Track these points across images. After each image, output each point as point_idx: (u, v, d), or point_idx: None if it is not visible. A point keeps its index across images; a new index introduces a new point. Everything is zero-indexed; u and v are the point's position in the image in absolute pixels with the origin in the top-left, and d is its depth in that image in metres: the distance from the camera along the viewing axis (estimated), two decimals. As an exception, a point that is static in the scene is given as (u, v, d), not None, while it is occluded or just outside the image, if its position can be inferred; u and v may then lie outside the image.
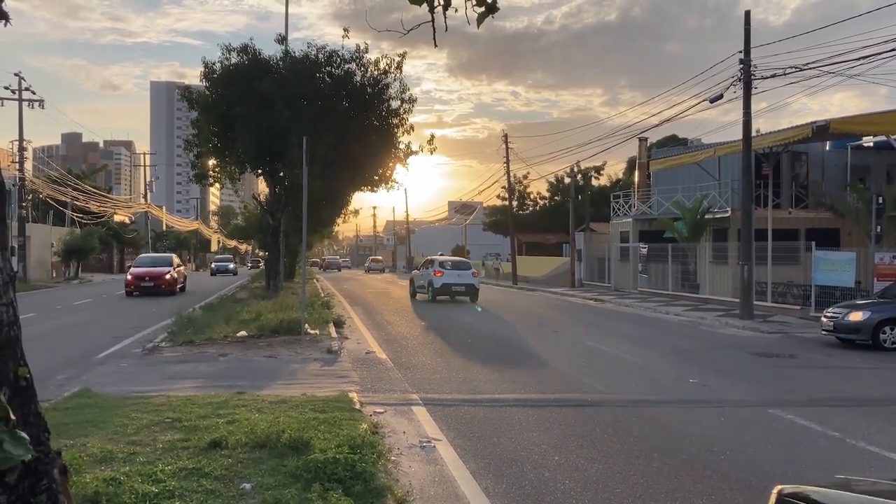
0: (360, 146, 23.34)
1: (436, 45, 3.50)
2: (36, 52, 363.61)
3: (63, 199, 51.90)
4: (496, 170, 72.16)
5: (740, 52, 21.03)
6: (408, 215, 78.95)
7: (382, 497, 5.32)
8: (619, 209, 36.87)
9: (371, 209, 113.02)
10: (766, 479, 6.12)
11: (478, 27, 3.47)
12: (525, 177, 54.38)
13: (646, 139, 38.37)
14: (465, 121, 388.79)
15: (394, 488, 5.57)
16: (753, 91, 20.94)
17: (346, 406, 8.34)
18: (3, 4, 2.65)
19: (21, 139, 42.41)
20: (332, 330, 16.69)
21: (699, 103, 24.07)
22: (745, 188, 21.92)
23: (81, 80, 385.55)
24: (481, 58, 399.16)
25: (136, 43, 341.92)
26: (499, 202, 56.66)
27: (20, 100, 41.31)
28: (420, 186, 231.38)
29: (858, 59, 18.52)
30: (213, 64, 23.72)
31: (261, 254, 68.29)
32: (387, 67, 23.80)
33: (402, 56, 24.00)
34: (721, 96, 21.91)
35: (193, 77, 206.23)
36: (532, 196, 59.95)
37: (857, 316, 15.52)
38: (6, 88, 41.12)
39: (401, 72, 23.90)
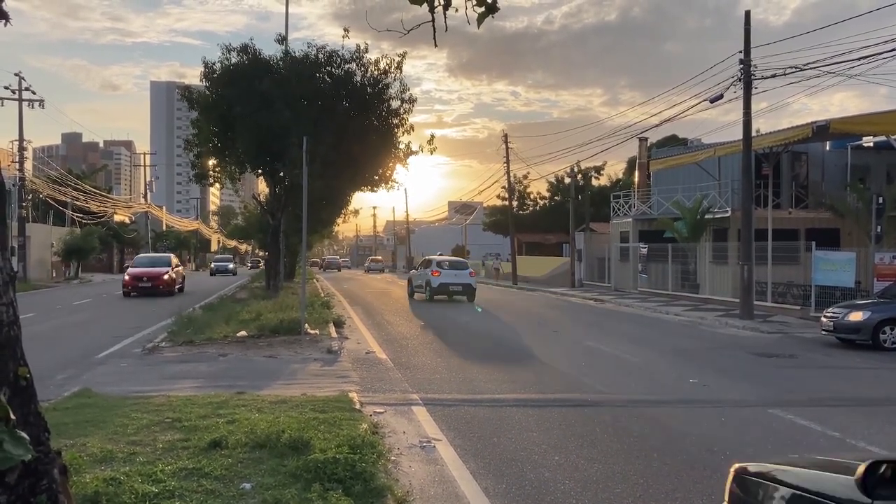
0: (361, 146, 23.34)
1: (436, 45, 3.50)
2: (36, 52, 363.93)
3: (63, 199, 51.90)
4: (496, 170, 72.25)
5: (740, 52, 21.03)
6: (408, 215, 79.00)
7: (382, 497, 5.32)
8: (619, 209, 36.87)
9: (371, 209, 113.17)
10: (766, 479, 6.11)
11: (478, 27, 3.47)
12: (525, 177, 54.43)
13: (646, 139, 38.38)
14: (465, 121, 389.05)
15: (394, 488, 5.57)
16: (753, 91, 20.94)
17: (346, 406, 8.34)
18: (4, 4, 2.65)
19: (21, 139, 42.44)
20: (332, 330, 16.69)
21: (699, 103, 24.10)
22: (745, 188, 21.92)
23: (81, 80, 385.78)
24: (481, 58, 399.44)
25: (136, 43, 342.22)
26: (499, 202, 56.68)
27: (20, 100, 41.32)
28: (420, 186, 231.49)
29: (858, 59, 18.54)
30: (213, 64, 23.74)
31: (261, 254, 68.26)
32: (387, 67, 23.80)
33: (402, 56, 24.02)
34: (721, 96, 21.92)
35: (193, 77, 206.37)
36: (532, 196, 59.96)
37: (857, 316, 15.52)
38: (6, 88, 41.18)
39: (401, 72, 23.93)
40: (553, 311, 25.24)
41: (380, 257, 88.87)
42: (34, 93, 41.77)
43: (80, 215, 53.72)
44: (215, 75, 23.59)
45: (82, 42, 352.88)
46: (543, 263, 47.81)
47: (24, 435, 2.25)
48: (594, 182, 56.35)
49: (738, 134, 22.33)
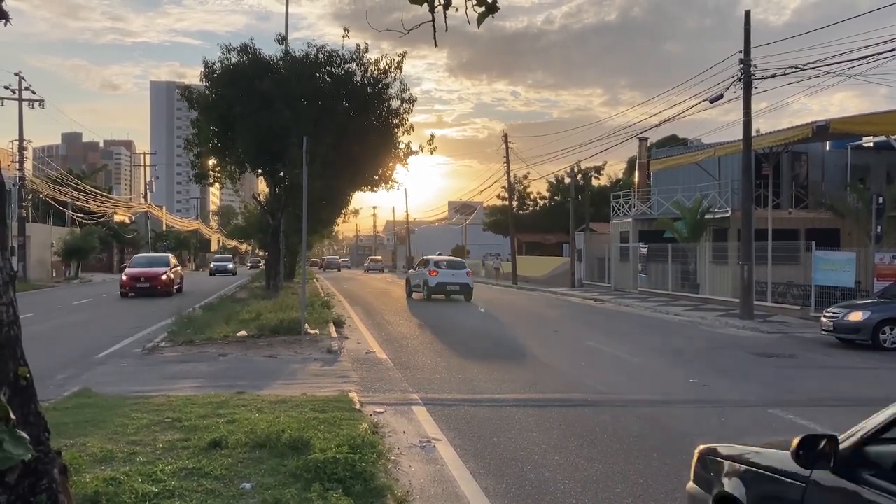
0: (361, 146, 23.33)
1: (436, 45, 3.50)
2: (36, 52, 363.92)
3: (63, 198, 51.89)
4: (496, 170, 72.24)
5: (740, 52, 21.03)
6: (408, 215, 78.98)
7: (382, 497, 5.32)
8: (619, 209, 36.87)
9: (371, 209, 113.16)
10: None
11: (478, 27, 3.47)
12: (525, 177, 54.41)
13: (646, 139, 38.38)
14: (465, 121, 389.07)
15: (394, 488, 5.57)
16: (753, 91, 20.94)
17: (346, 406, 8.34)
18: (4, 4, 2.65)
19: (21, 139, 42.44)
20: (332, 330, 16.69)
21: (699, 103, 24.10)
22: (745, 188, 21.92)
23: (81, 80, 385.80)
24: (481, 58, 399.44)
25: (136, 43, 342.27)
26: (499, 202, 56.67)
27: (20, 99, 41.33)
28: (420, 186, 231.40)
29: (858, 59, 18.54)
30: (214, 64, 23.72)
31: (261, 254, 68.22)
32: (387, 67, 23.79)
33: (403, 56, 24.01)
34: (721, 96, 21.92)
35: (193, 77, 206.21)
36: (532, 196, 59.95)
37: (856, 316, 15.52)
38: (6, 88, 41.20)
39: (401, 71, 23.91)
40: (553, 311, 25.24)
41: (379, 257, 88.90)
42: (34, 92, 41.83)
43: (80, 215, 53.71)
44: (215, 75, 23.58)
45: (82, 42, 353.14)
46: (543, 263, 47.81)
47: (24, 435, 2.25)
48: (594, 182, 56.34)
49: (738, 134, 22.34)
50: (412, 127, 24.67)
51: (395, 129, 24.38)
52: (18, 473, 2.35)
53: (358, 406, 8.54)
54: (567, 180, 47.82)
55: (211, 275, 58.32)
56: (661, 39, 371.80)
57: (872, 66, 25.13)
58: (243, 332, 15.29)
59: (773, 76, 20.46)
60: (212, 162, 27.00)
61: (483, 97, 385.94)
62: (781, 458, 3.21)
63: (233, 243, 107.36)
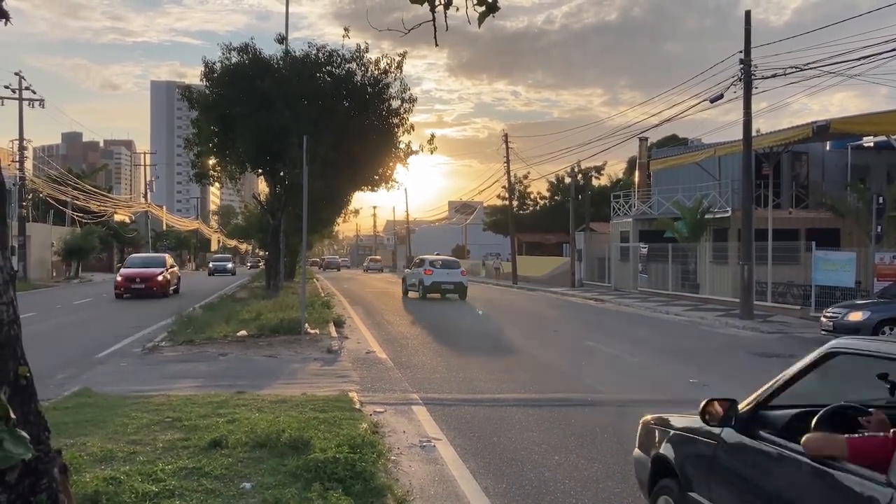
0: (361, 146, 23.34)
1: (437, 45, 3.50)
2: (36, 52, 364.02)
3: (63, 198, 51.88)
4: (496, 169, 72.23)
5: (740, 51, 21.02)
6: (408, 215, 78.94)
7: (382, 496, 5.32)
8: (619, 209, 36.86)
9: (371, 209, 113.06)
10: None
11: (479, 26, 3.47)
12: (525, 177, 54.41)
13: (646, 139, 38.37)
14: (465, 120, 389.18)
15: (394, 488, 5.57)
16: (754, 91, 20.93)
17: (346, 405, 8.35)
18: (4, 3, 2.65)
19: (21, 138, 42.43)
20: (332, 329, 16.69)
21: (699, 103, 24.11)
22: (745, 188, 21.91)
23: (81, 80, 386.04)
24: (482, 57, 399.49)
25: (136, 42, 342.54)
26: (499, 202, 56.67)
27: (20, 99, 41.32)
28: (420, 186, 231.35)
29: (859, 59, 18.54)
30: (214, 63, 23.73)
31: (261, 253, 68.17)
32: (387, 67, 23.80)
33: (403, 56, 24.02)
34: (721, 96, 21.92)
35: (194, 77, 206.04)
36: (532, 196, 59.95)
37: (856, 316, 15.51)
38: (6, 88, 41.17)
39: (401, 71, 23.93)
40: (553, 311, 25.24)
41: (378, 257, 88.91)
42: (34, 92, 41.80)
43: (81, 215, 53.69)
44: (215, 75, 23.59)
45: (82, 41, 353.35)
46: (543, 263, 47.81)
47: (24, 434, 2.25)
48: (594, 182, 56.34)
49: (738, 134, 22.33)
50: (412, 127, 24.72)
51: (396, 129, 24.39)
52: (19, 472, 2.35)
53: (358, 406, 8.55)
54: (567, 180, 47.81)
55: (210, 275, 58.06)
56: (661, 39, 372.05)
57: (873, 66, 25.17)
58: (243, 332, 15.29)
59: (774, 76, 20.46)
60: (212, 162, 27.02)
61: (483, 97, 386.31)
62: (700, 423, 3.90)
63: (233, 243, 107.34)
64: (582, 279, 39.38)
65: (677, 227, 29.03)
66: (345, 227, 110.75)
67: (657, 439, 4.54)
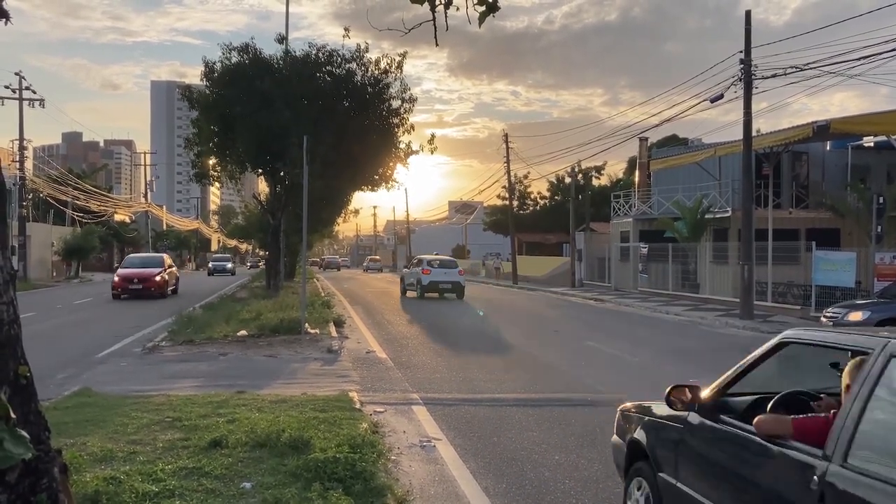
0: (361, 146, 23.34)
1: (437, 45, 3.50)
2: (36, 52, 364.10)
3: (63, 198, 51.88)
4: (496, 169, 72.38)
5: (741, 51, 21.01)
6: (408, 215, 78.91)
7: (382, 496, 5.32)
8: (619, 209, 36.86)
9: (371, 209, 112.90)
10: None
11: (479, 26, 3.47)
12: (525, 176, 54.37)
13: (646, 139, 38.36)
14: (465, 120, 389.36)
15: (394, 487, 5.57)
16: (754, 91, 20.92)
17: (346, 405, 8.34)
18: (4, 3, 2.65)
19: (21, 138, 42.42)
20: (333, 329, 16.69)
21: (699, 103, 24.10)
22: (745, 188, 21.91)
23: (82, 80, 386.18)
24: (482, 57, 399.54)
25: (136, 42, 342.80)
26: (499, 202, 56.64)
27: (20, 99, 41.32)
28: (420, 186, 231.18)
29: (859, 59, 18.53)
30: (214, 63, 23.74)
31: (261, 253, 68.12)
32: (387, 67, 23.80)
33: (403, 56, 24.03)
34: (721, 96, 21.91)
35: (194, 76, 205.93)
36: (532, 196, 59.91)
37: (856, 316, 15.50)
38: (7, 88, 41.17)
39: (401, 71, 23.94)
40: (553, 311, 25.24)
41: (378, 257, 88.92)
42: (34, 92, 41.79)
43: (81, 214, 53.69)
44: (216, 75, 23.59)
45: (83, 41, 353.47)
46: (544, 263, 47.80)
47: (24, 434, 2.25)
48: (594, 182, 56.30)
49: (738, 134, 22.33)
50: (412, 127, 24.73)
51: (396, 129, 24.39)
52: (19, 472, 2.35)
53: (358, 405, 8.54)
54: (567, 180, 47.79)
55: (209, 275, 57.83)
56: (661, 39, 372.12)
57: (873, 66, 25.15)
58: (243, 332, 15.29)
59: (774, 76, 20.45)
60: (212, 161, 27.02)
61: (483, 97, 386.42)
62: (669, 409, 4.25)
63: (233, 243, 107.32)
64: (582, 279, 39.37)
65: (677, 227, 29.02)
66: (345, 227, 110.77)
67: (632, 425, 4.89)
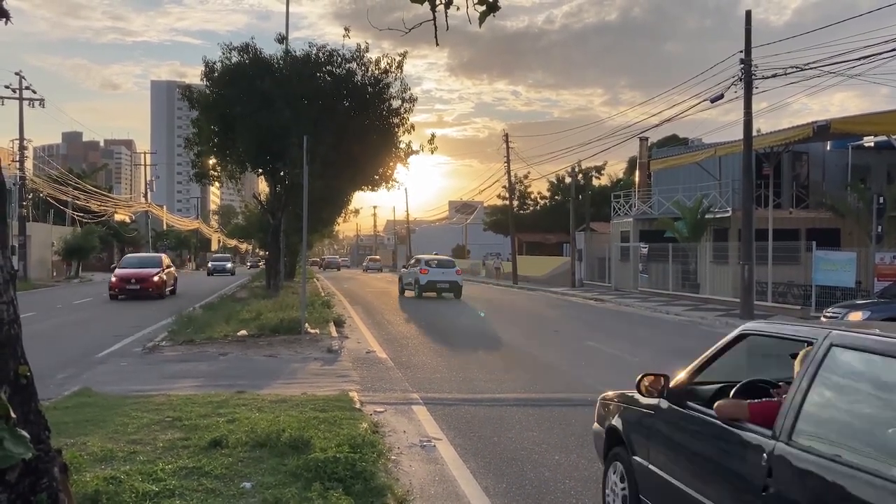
0: (361, 146, 23.34)
1: (437, 44, 3.50)
2: (36, 51, 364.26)
3: (63, 198, 51.89)
4: (497, 169, 72.24)
5: (741, 51, 21.01)
6: (408, 215, 78.92)
7: (383, 496, 5.32)
8: (619, 209, 36.85)
9: (371, 208, 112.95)
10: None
11: (479, 26, 3.47)
12: (526, 176, 54.38)
13: (646, 139, 38.37)
14: (465, 120, 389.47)
15: (394, 487, 5.57)
16: (754, 91, 20.92)
17: (346, 405, 8.34)
18: (4, 3, 2.65)
19: (21, 138, 42.42)
20: (333, 329, 16.69)
21: (700, 103, 24.12)
22: (745, 188, 21.91)
23: (82, 79, 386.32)
24: (482, 57, 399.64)
25: (136, 42, 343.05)
26: (499, 202, 56.62)
27: (21, 99, 41.32)
28: (420, 186, 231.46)
29: (859, 59, 18.54)
30: (214, 63, 23.73)
31: (261, 253, 68.06)
32: (387, 67, 23.80)
33: (403, 55, 24.04)
34: (722, 96, 21.92)
35: (194, 76, 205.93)
36: (533, 196, 59.90)
37: (856, 316, 15.48)
38: (7, 87, 41.18)
39: (401, 71, 23.94)
40: (553, 311, 25.23)
41: (378, 257, 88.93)
42: (35, 92, 41.79)
43: (81, 214, 53.69)
44: (216, 75, 23.59)
45: (83, 41, 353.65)
46: (544, 263, 47.81)
47: (24, 433, 2.25)
48: (595, 182, 56.29)
49: (738, 134, 22.33)
50: (413, 126, 24.73)
51: (396, 129, 24.39)
52: (19, 472, 2.35)
53: (358, 405, 8.54)
54: (567, 180, 47.78)
55: (209, 275, 57.60)
56: (661, 39, 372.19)
57: (873, 66, 25.11)
58: (243, 332, 15.29)
59: (774, 76, 20.46)
60: (212, 161, 27.00)
61: (484, 97, 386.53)
62: (643, 397, 4.58)
63: (233, 243, 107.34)
64: (582, 279, 39.37)
65: (677, 227, 29.02)
66: (345, 227, 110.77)
67: (610, 413, 5.25)
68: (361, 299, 29.45)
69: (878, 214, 20.61)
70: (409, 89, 24.20)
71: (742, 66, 20.90)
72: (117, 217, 65.01)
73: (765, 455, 3.31)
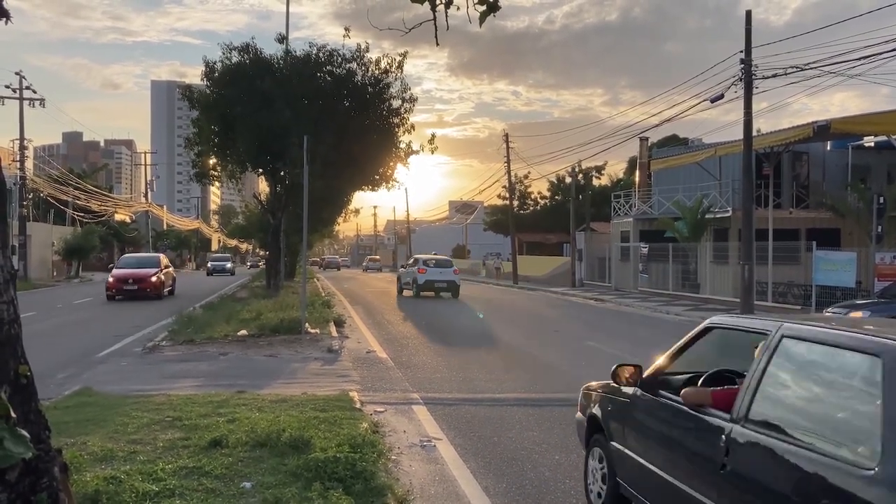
0: (361, 146, 23.33)
1: (437, 44, 3.50)
2: (37, 51, 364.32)
3: (64, 197, 51.89)
4: (497, 169, 72.16)
5: (741, 51, 21.01)
6: (408, 215, 78.89)
7: (383, 496, 5.32)
8: (619, 209, 36.85)
9: (372, 208, 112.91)
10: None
11: (480, 26, 3.47)
12: (526, 176, 54.40)
13: (646, 139, 38.36)
14: (465, 120, 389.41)
15: (394, 487, 5.57)
16: (754, 91, 20.92)
17: (346, 405, 8.34)
18: (4, 2, 2.65)
19: (22, 138, 42.42)
20: (333, 329, 16.69)
21: (700, 103, 24.11)
22: (745, 188, 21.90)
23: (82, 79, 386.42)
24: (482, 57, 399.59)
25: (136, 42, 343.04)
26: (499, 202, 56.61)
27: (21, 98, 41.33)
28: (421, 186, 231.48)
29: (859, 59, 18.53)
30: (214, 63, 23.72)
31: (261, 253, 67.99)
32: (388, 67, 23.79)
33: (403, 55, 24.02)
34: (722, 96, 21.91)
35: (194, 76, 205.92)
36: (533, 196, 59.91)
37: (856, 316, 15.49)
38: (7, 87, 41.18)
39: (402, 71, 23.93)
40: (554, 311, 25.23)
41: (378, 257, 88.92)
42: (35, 92, 41.79)
43: (81, 214, 53.70)
44: (216, 74, 23.58)
45: (83, 41, 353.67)
46: (544, 263, 47.81)
47: (24, 433, 2.25)
48: (595, 182, 56.29)
49: (738, 134, 22.32)
50: (413, 126, 24.71)
51: (396, 129, 24.38)
52: (19, 471, 2.35)
53: (358, 405, 8.54)
54: (568, 180, 47.77)
55: (208, 275, 57.26)
56: (661, 39, 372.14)
57: (873, 66, 25.06)
58: (244, 332, 15.29)
59: (774, 76, 20.45)
60: (212, 161, 26.99)
61: (484, 97, 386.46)
62: (623, 387, 4.94)
63: (233, 242, 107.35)
64: (582, 279, 39.37)
65: (678, 227, 29.01)
66: (345, 227, 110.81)
67: (591, 402, 5.64)
68: (361, 299, 29.45)
69: (878, 214, 20.60)
70: (410, 89, 24.24)
71: (742, 66, 20.89)
72: (117, 217, 65.01)
73: (723, 436, 3.64)
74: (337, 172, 24.04)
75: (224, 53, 23.72)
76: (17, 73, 41.20)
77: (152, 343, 14.21)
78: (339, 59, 23.83)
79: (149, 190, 76.37)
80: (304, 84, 22.84)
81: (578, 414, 5.93)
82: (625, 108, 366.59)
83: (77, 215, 53.39)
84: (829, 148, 29.80)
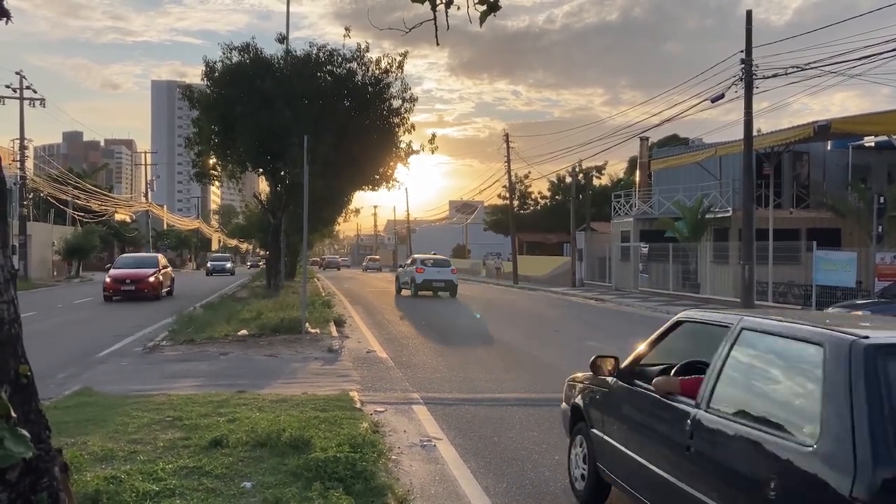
0: (361, 145, 23.33)
1: (438, 44, 3.51)
2: (37, 51, 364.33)
3: (64, 197, 51.92)
4: (497, 169, 72.15)
5: (741, 51, 21.02)
6: (409, 214, 78.90)
7: (383, 496, 5.32)
8: (620, 209, 36.85)
9: (372, 208, 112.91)
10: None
11: (480, 26, 3.47)
12: (526, 176, 54.38)
13: (647, 139, 38.36)
14: (466, 120, 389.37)
15: (394, 487, 5.57)
16: (755, 91, 20.93)
17: (346, 405, 8.34)
18: (5, 2, 2.65)
19: (22, 138, 42.42)
20: (333, 329, 16.69)
21: (700, 103, 24.14)
22: (746, 188, 21.90)
23: (82, 79, 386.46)
24: (483, 57, 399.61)
25: (136, 42, 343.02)
26: (500, 201, 56.60)
27: (21, 98, 41.34)
28: (421, 186, 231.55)
29: (860, 58, 18.54)
30: (215, 63, 23.71)
31: (261, 253, 67.96)
32: (388, 66, 23.79)
33: (404, 55, 24.01)
34: (722, 96, 21.92)
35: (194, 76, 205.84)
36: (533, 195, 59.89)
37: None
38: (7, 87, 41.18)
39: (402, 71, 23.92)
40: (554, 311, 25.23)
41: (377, 257, 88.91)
42: (35, 91, 41.78)
43: (81, 214, 53.73)
44: (216, 74, 23.57)
45: (83, 41, 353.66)
46: (544, 263, 47.81)
47: (24, 433, 2.25)
48: (595, 181, 56.27)
49: (738, 133, 22.33)
50: (413, 126, 24.69)
51: (396, 129, 24.37)
52: (19, 471, 2.35)
53: (359, 405, 8.54)
54: (568, 180, 47.76)
55: (208, 274, 56.99)
56: (661, 39, 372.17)
57: (874, 66, 25.11)
58: (244, 331, 15.29)
59: (775, 76, 20.46)
60: (212, 161, 26.98)
61: (484, 96, 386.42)
62: (602, 377, 5.33)
63: (234, 242, 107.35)
64: (583, 279, 39.37)
65: (678, 227, 29.01)
66: (345, 227, 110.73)
67: (574, 392, 5.94)
68: (362, 299, 29.45)
69: (878, 214, 20.60)
70: (410, 89, 24.23)
71: (742, 65, 20.90)
72: (118, 217, 65.05)
73: (688, 421, 3.97)
74: (337, 172, 24.04)
75: (224, 53, 23.74)
76: (17, 73, 41.24)
77: (152, 343, 14.20)
78: (340, 58, 23.83)
79: (149, 190, 76.40)
80: (305, 84, 22.84)
81: (563, 404, 6.23)
82: (625, 107, 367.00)
83: (77, 215, 53.41)
84: (829, 148, 29.80)
